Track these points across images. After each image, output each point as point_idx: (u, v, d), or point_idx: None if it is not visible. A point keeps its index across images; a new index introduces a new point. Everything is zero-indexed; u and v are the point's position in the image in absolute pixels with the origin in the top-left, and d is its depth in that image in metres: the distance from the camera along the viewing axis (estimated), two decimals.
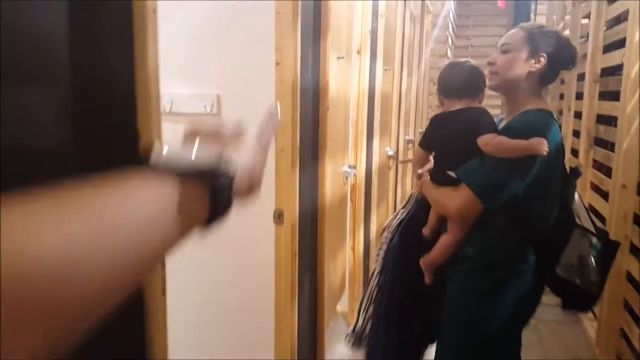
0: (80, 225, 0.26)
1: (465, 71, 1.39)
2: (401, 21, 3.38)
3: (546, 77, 1.35)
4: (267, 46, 1.43)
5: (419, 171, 1.51)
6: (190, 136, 0.42)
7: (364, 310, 1.66)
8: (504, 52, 1.35)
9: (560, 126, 1.38)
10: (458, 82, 1.38)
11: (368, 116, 2.58)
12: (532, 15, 6.66)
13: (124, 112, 0.72)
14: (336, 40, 1.91)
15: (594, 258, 1.31)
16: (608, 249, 1.34)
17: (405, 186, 4.37)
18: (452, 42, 6.67)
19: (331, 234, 1.98)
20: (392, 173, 3.57)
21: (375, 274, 1.65)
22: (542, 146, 1.14)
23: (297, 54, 1.40)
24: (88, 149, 0.64)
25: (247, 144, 0.46)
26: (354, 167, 2.35)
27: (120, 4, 0.70)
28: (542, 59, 1.31)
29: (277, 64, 1.39)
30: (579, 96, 3.24)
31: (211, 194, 0.38)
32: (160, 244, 0.33)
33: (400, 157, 3.72)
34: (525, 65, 1.32)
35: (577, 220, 1.35)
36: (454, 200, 1.27)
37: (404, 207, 1.64)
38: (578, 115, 3.24)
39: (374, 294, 1.63)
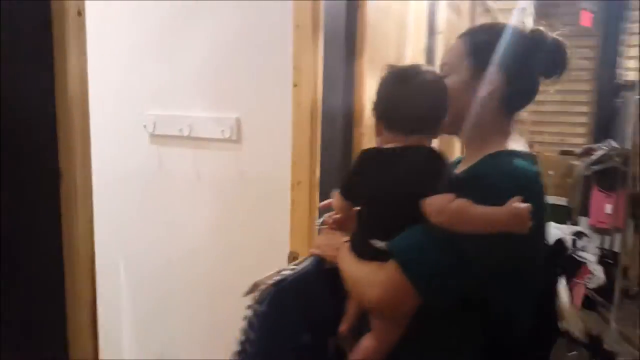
0: None
1: (424, 91, 0.84)
2: None
3: (512, 99, 0.90)
4: (289, 65, 1.26)
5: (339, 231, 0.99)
6: None
7: None
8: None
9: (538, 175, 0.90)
10: (410, 107, 0.85)
11: None
12: (623, 36, 6.04)
13: (40, 144, 0.56)
14: (379, 59, 1.70)
15: None
16: None
17: None
18: None
19: None
20: None
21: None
22: (528, 218, 0.71)
23: (319, 74, 1.21)
24: None
25: None
26: None
27: (35, 5, 0.55)
28: (495, 75, 0.87)
29: (295, 85, 1.20)
30: None
31: None
32: None
33: None
34: (469, 89, 0.88)
35: (561, 325, 0.90)
36: (373, 284, 0.80)
37: (296, 264, 1.08)
38: None
39: None
